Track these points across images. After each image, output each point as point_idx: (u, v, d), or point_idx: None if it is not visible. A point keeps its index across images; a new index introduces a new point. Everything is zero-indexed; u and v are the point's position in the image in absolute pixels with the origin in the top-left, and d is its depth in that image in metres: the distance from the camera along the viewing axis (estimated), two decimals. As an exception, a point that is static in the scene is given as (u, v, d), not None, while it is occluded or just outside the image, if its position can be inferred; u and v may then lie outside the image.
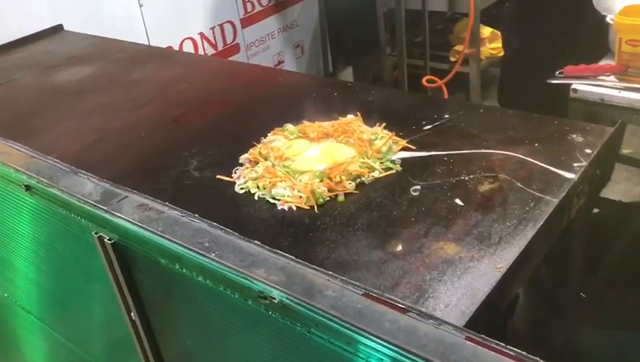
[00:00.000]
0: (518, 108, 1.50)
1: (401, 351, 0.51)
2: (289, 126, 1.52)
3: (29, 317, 1.26)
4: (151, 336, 0.90)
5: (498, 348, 0.49)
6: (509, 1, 2.87)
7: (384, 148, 1.37)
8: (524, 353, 0.48)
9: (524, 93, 2.37)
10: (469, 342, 0.51)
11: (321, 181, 1.27)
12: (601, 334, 1.82)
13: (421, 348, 0.51)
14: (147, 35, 2.88)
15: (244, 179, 1.34)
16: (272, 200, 1.26)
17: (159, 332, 0.90)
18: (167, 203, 0.80)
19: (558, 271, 1.95)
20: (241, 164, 1.40)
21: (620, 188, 3.00)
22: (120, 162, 1.51)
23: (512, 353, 0.48)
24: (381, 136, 1.41)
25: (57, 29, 2.53)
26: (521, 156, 1.29)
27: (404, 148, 1.38)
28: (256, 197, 1.28)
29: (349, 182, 1.28)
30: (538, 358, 0.48)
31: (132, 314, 0.87)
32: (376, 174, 1.30)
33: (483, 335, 0.51)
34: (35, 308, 1.24)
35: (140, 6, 2.82)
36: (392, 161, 1.34)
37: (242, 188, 1.32)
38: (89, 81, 2.02)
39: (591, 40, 1.96)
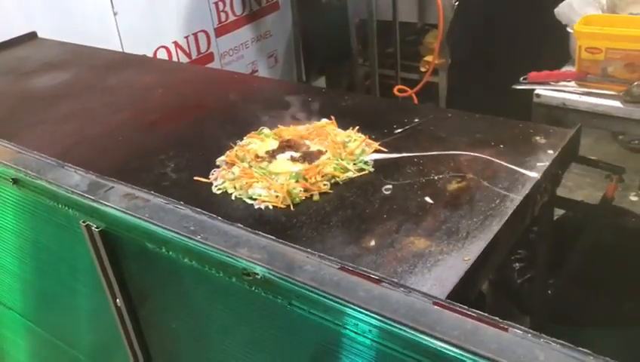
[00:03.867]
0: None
1: (376, 316, 0.56)
2: (265, 129, 1.56)
3: (10, 313, 1.27)
4: (136, 322, 0.93)
5: (461, 310, 0.54)
6: (456, 12, 2.93)
7: (357, 151, 1.41)
8: (484, 314, 0.52)
9: (473, 100, 2.44)
10: (436, 306, 0.55)
11: (297, 181, 1.31)
12: (565, 331, 1.89)
13: (393, 312, 0.55)
14: (121, 43, 2.89)
15: (222, 180, 1.37)
16: (249, 200, 1.29)
17: (144, 317, 0.92)
18: (152, 192, 0.84)
19: (524, 269, 2.02)
20: (218, 166, 1.44)
21: (584, 193, 3.10)
22: (97, 166, 1.51)
23: (473, 314, 0.53)
24: (354, 139, 1.46)
25: (31, 36, 2.52)
26: (488, 157, 1.35)
27: (376, 151, 1.43)
28: (233, 197, 1.31)
29: (324, 182, 1.32)
30: (497, 318, 0.53)
31: (117, 300, 0.89)
32: (350, 175, 1.35)
33: (448, 300, 0.56)
34: (17, 304, 1.25)
35: (115, 14, 2.83)
36: (365, 163, 1.39)
37: (219, 189, 1.35)
38: (64, 87, 2.03)
39: (541, 48, 2.04)
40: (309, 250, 0.67)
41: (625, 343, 1.80)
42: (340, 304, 0.58)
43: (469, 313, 0.53)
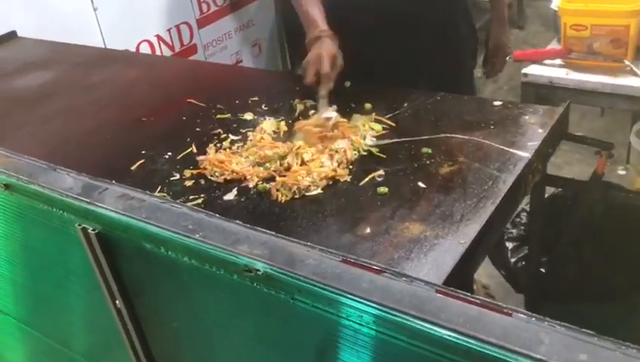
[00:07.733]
0: None
1: (379, 307, 0.56)
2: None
3: (6, 318, 1.26)
4: (136, 323, 0.92)
5: (465, 297, 0.54)
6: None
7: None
8: (487, 300, 0.53)
9: None
10: (439, 295, 0.55)
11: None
12: (559, 308, 1.91)
13: (397, 302, 0.56)
14: (103, 38, 2.85)
15: (214, 173, 1.37)
16: (242, 193, 1.29)
17: (145, 318, 0.92)
18: (147, 191, 0.83)
19: (518, 248, 2.03)
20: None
21: (573, 170, 3.11)
22: (86, 165, 1.50)
23: (477, 300, 0.53)
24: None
25: (10, 35, 2.48)
26: (478, 139, 1.35)
27: (367, 137, 1.43)
28: (226, 191, 1.31)
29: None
30: (500, 303, 0.53)
31: (117, 302, 0.89)
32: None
33: (451, 288, 0.56)
34: (12, 308, 1.24)
35: (95, 9, 2.79)
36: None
37: (212, 183, 1.34)
38: (49, 86, 2.01)
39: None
40: (309, 243, 0.67)
41: (616, 317, 1.82)
42: (343, 296, 0.58)
43: (473, 299, 0.53)
